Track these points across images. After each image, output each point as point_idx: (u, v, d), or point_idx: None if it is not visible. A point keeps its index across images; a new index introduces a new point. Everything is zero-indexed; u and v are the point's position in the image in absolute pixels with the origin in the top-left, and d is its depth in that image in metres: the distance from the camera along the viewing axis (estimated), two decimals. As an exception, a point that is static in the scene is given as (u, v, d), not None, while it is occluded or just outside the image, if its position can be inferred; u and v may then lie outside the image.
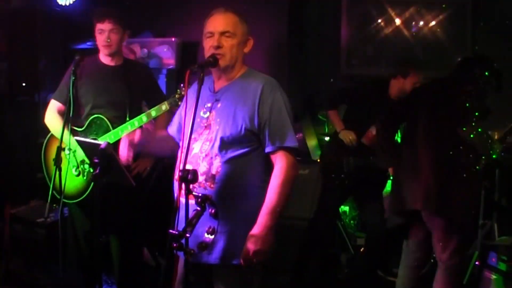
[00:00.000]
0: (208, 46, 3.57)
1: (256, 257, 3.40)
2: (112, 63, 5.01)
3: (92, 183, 4.72)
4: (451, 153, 4.85)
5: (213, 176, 3.49)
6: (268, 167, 3.57)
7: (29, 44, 7.36)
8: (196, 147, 3.56)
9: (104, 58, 5.00)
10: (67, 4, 7.28)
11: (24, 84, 7.38)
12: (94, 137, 4.84)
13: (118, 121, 4.85)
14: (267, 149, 3.53)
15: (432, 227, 4.91)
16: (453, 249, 4.84)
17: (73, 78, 4.57)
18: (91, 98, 4.88)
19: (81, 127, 4.89)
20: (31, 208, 6.13)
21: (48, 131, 5.02)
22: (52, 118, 4.99)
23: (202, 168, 3.50)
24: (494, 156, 5.28)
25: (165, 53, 7.62)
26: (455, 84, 5.01)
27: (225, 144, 3.49)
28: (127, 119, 4.88)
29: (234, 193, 3.50)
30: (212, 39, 3.55)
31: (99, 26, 4.88)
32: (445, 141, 4.88)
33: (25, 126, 5.62)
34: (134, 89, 4.99)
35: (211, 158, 3.51)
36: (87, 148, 4.43)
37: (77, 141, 4.46)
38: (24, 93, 7.28)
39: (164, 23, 8.01)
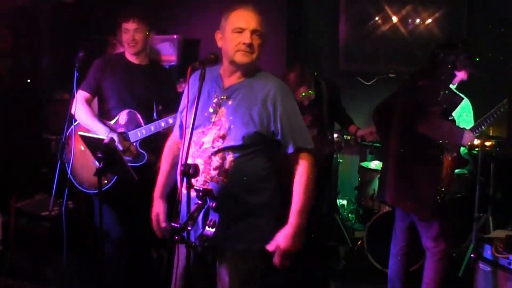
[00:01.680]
0: (237, 42, 3.51)
1: (284, 254, 3.49)
2: (137, 62, 5.04)
3: (115, 176, 4.82)
4: (411, 148, 4.94)
5: (226, 171, 3.49)
6: (272, 165, 3.67)
7: (33, 41, 7.36)
8: (206, 142, 3.55)
9: (130, 56, 5.03)
10: (71, 1, 7.28)
11: (28, 81, 7.39)
12: (124, 130, 4.88)
13: (144, 118, 4.93)
14: (290, 150, 3.56)
15: (413, 216, 5.00)
16: (435, 236, 4.92)
17: (77, 74, 4.58)
18: (116, 93, 4.91)
19: (110, 120, 4.92)
20: (36, 202, 6.13)
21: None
22: (80, 108, 4.93)
23: (215, 163, 3.50)
24: (464, 152, 5.33)
25: (167, 49, 7.62)
26: (414, 78, 5.07)
27: (238, 141, 3.49)
28: (155, 116, 4.98)
29: (245, 186, 3.54)
30: (242, 35, 3.51)
31: (124, 26, 4.92)
32: (406, 136, 4.94)
33: (30, 122, 5.63)
34: (158, 89, 5.04)
35: (225, 153, 3.50)
36: (91, 143, 4.45)
37: (81, 136, 4.48)
38: (28, 89, 7.28)
39: (167, 20, 8.01)
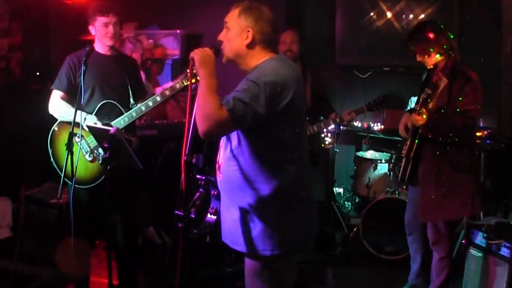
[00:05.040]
0: None
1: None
2: (108, 53, 4.98)
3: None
4: None
5: (219, 166, 3.41)
6: (259, 174, 3.32)
7: (42, 36, 7.34)
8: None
9: (101, 48, 4.95)
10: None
11: (38, 74, 7.36)
12: (107, 121, 4.81)
13: (123, 105, 4.91)
14: None
15: None
16: None
17: (84, 68, 4.54)
18: (91, 86, 4.84)
19: (90, 113, 4.82)
20: (45, 190, 6.12)
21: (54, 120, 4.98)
22: (58, 106, 4.92)
23: (219, 157, 3.44)
24: None
25: (171, 44, 7.60)
26: None
27: (228, 137, 3.37)
28: (131, 101, 4.94)
29: (235, 184, 3.34)
30: None
31: (103, 20, 4.83)
32: None
33: (39, 113, 5.60)
34: (129, 76, 5.01)
35: (223, 148, 3.42)
36: (97, 134, 4.42)
37: (88, 127, 4.44)
38: (38, 81, 7.27)
39: (170, 16, 7.99)
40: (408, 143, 4.97)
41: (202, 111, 3.09)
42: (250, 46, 3.39)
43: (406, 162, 4.98)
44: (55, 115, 4.94)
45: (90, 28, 4.93)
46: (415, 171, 4.96)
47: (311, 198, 3.57)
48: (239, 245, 3.37)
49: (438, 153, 4.81)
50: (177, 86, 4.83)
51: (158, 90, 6.38)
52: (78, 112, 4.60)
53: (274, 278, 3.43)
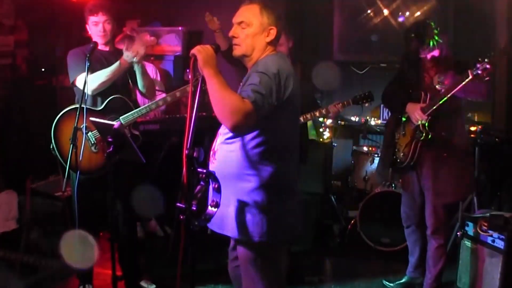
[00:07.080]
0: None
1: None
2: (106, 49, 5.02)
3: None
4: None
5: (215, 153, 3.44)
6: (258, 161, 3.36)
7: (47, 32, 7.33)
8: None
9: (100, 46, 4.95)
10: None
11: (43, 70, 7.36)
12: (115, 116, 4.81)
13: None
14: None
15: None
16: None
17: (88, 64, 4.52)
18: None
19: (97, 109, 4.81)
20: (50, 183, 6.11)
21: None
22: (90, 76, 4.70)
23: (215, 143, 3.47)
24: None
25: (173, 41, 7.59)
26: None
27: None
28: (133, 96, 5.03)
29: (229, 170, 3.37)
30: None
31: (93, 19, 4.88)
32: None
33: (44, 108, 5.62)
34: (129, 71, 5.00)
35: (222, 135, 3.44)
36: (102, 128, 4.41)
37: (92, 121, 4.44)
38: (43, 77, 7.27)
39: (172, 13, 7.98)
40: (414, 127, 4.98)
41: (228, 106, 3.14)
42: (270, 43, 3.46)
43: (415, 146, 4.98)
44: (96, 84, 4.78)
45: (87, 27, 4.99)
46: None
47: (299, 191, 3.65)
48: (229, 231, 3.39)
49: (446, 137, 4.93)
50: (187, 89, 4.85)
51: None
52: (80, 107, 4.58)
53: (267, 266, 3.47)
